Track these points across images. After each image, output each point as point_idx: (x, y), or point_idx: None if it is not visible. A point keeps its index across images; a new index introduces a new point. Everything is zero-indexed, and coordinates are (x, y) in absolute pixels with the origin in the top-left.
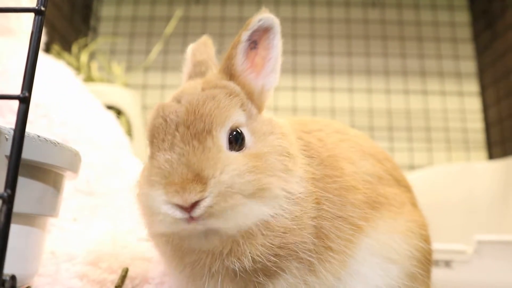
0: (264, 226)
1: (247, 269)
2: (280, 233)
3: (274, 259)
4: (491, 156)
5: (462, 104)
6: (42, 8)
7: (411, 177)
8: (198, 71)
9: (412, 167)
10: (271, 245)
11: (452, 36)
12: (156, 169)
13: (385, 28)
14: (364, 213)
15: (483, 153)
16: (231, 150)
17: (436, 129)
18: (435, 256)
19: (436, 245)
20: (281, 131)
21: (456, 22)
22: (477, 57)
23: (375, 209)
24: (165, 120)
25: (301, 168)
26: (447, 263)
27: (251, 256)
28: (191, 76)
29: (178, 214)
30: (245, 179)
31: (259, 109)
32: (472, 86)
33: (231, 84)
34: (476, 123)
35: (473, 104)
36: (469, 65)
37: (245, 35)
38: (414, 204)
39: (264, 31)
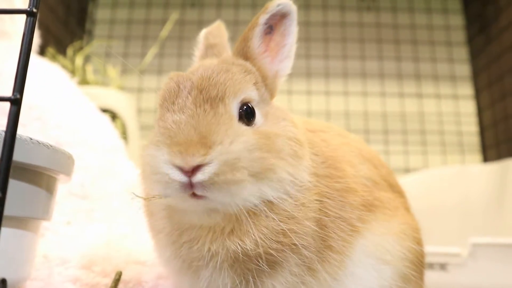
0: (269, 208)
1: (248, 252)
2: (284, 218)
3: (277, 245)
4: (486, 158)
5: (456, 107)
6: (34, 10)
7: (407, 180)
8: (211, 53)
9: (407, 170)
10: (274, 229)
11: (447, 39)
12: (162, 129)
13: (380, 31)
14: (361, 215)
15: (477, 156)
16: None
17: (431, 132)
18: (431, 259)
19: (431, 248)
20: (292, 120)
21: (450, 25)
22: (472, 60)
23: (370, 211)
24: (178, 86)
25: (308, 156)
26: (442, 266)
27: (253, 238)
28: (202, 59)
29: (178, 175)
30: (254, 155)
31: (271, 95)
32: (466, 89)
33: (247, 64)
34: (470, 126)
35: (468, 107)
36: (464, 68)
37: (263, 18)
38: (407, 208)
39: (281, 16)
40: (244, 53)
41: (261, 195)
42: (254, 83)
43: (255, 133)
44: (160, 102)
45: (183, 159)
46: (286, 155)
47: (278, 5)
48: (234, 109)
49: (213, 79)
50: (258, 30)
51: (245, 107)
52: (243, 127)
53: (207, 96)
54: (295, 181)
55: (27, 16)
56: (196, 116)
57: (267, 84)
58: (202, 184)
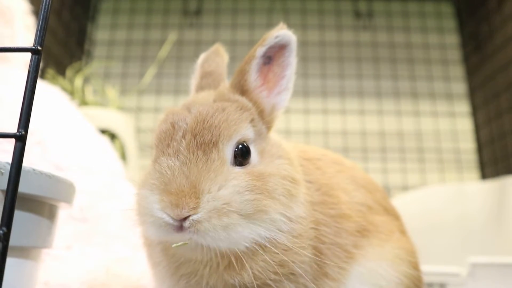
0: (264, 245)
1: (247, 285)
2: (281, 250)
3: (274, 276)
4: (484, 176)
5: (453, 125)
6: (39, 48)
7: (405, 198)
8: (205, 83)
9: (405, 188)
10: (272, 262)
11: (443, 58)
12: (157, 173)
13: (376, 50)
14: (356, 240)
15: (475, 173)
16: (235, 165)
17: (429, 149)
18: (430, 279)
19: (430, 268)
20: (288, 156)
21: (446, 44)
22: (468, 78)
23: (364, 236)
24: (173, 126)
25: (303, 193)
26: (442, 286)
27: (251, 271)
28: (198, 89)
29: (169, 219)
30: (244, 198)
31: (269, 128)
32: (463, 107)
33: (243, 99)
34: (468, 143)
35: (465, 125)
36: (460, 86)
37: (260, 51)
38: (402, 231)
39: (280, 47)
40: (240, 87)
41: (254, 238)
42: (250, 121)
43: (248, 174)
44: (155, 143)
45: (172, 210)
46: (279, 195)
47: (276, 36)
48: (227, 152)
49: (207, 122)
50: (255, 63)
51: (240, 146)
52: (235, 170)
53: (201, 141)
54: (288, 219)
55: (32, 54)
56: (189, 163)
57: (264, 118)
58: (189, 229)
